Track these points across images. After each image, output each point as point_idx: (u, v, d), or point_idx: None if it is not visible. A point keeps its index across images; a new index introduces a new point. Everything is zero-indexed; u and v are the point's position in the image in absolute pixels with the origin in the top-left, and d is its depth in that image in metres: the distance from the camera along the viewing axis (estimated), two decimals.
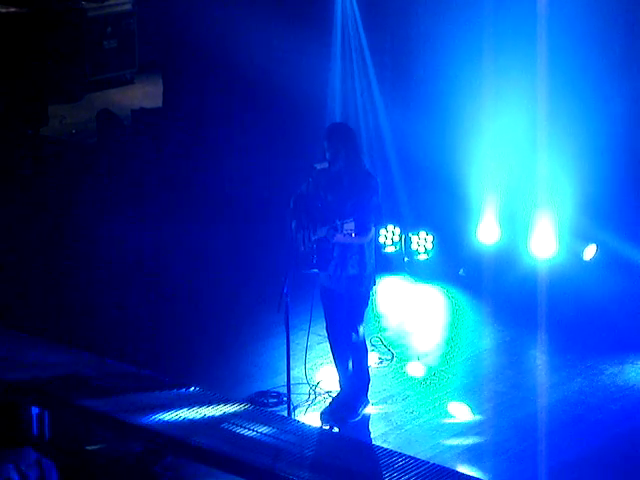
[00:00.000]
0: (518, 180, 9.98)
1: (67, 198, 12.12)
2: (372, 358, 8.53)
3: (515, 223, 10.05)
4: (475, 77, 10.00)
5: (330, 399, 8.06)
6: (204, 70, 12.28)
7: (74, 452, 7.45)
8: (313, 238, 7.58)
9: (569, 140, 9.64)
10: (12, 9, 14.32)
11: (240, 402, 7.80)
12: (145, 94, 15.39)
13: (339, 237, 7.45)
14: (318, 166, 7.64)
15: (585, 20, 9.44)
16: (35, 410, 7.51)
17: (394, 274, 10.52)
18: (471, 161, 10.12)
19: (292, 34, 11.17)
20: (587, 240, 9.71)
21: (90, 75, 15.60)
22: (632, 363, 8.70)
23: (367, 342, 8.07)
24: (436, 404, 8.17)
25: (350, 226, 7.35)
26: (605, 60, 9.51)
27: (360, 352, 7.91)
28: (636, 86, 9.41)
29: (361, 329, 7.88)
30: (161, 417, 7.44)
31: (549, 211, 9.81)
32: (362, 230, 7.48)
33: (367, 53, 10.93)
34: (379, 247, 10.25)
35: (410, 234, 10.58)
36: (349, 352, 7.88)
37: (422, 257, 10.54)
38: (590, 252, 9.69)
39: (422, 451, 7.46)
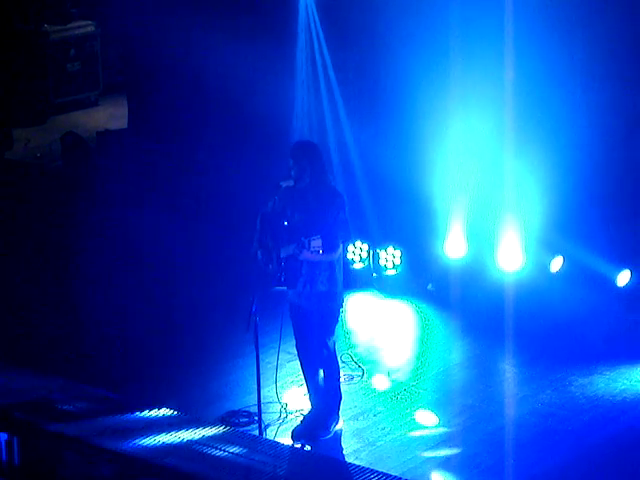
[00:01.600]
0: (484, 193, 10.03)
1: (32, 220, 12.09)
2: (342, 375, 8.52)
3: (482, 237, 10.09)
4: (441, 92, 10.04)
5: (301, 417, 8.04)
6: (168, 90, 12.28)
7: (44, 478, 7.38)
8: (281, 256, 7.58)
9: (535, 153, 9.70)
10: None
11: (211, 422, 7.78)
12: (110, 116, 15.37)
13: (306, 254, 7.45)
14: (284, 184, 7.65)
15: (549, 30, 9.51)
16: (4, 436, 7.45)
17: (363, 290, 10.53)
18: (437, 175, 10.17)
19: (256, 51, 11.21)
20: (554, 252, 9.77)
21: (54, 98, 15.56)
22: (601, 374, 8.74)
23: (338, 359, 8.07)
24: (407, 419, 8.17)
25: (317, 243, 7.35)
26: (570, 70, 9.59)
27: (331, 369, 7.91)
28: (602, 96, 9.47)
29: (332, 346, 7.88)
30: (132, 440, 7.40)
31: (516, 224, 9.86)
32: (330, 247, 7.49)
33: (331, 70, 10.97)
34: (347, 263, 10.25)
35: (378, 250, 10.60)
36: (320, 369, 7.87)
37: (390, 272, 10.55)
38: (557, 264, 9.74)
39: (394, 467, 7.46)
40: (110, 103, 15.82)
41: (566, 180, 9.55)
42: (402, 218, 10.44)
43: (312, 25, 11.03)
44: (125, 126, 13.46)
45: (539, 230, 9.81)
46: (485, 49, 9.70)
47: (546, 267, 9.74)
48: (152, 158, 12.43)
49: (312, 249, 7.36)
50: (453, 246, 10.26)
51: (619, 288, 9.52)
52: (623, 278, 9.54)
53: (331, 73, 10.92)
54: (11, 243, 11.55)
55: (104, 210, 12.01)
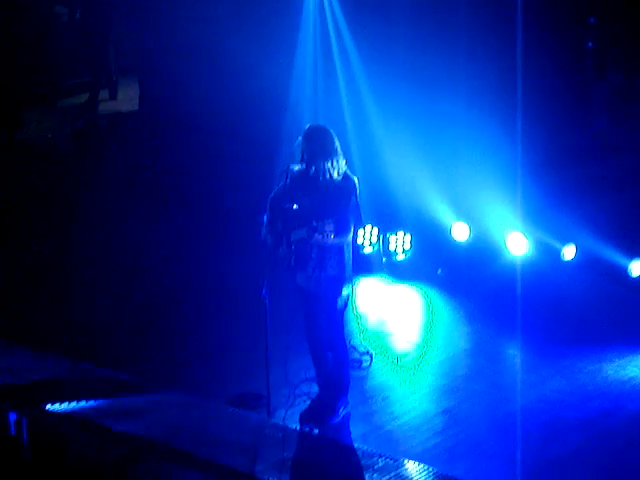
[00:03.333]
0: (491, 175, 10.02)
1: (45, 202, 12.10)
2: (351, 359, 8.52)
3: (488, 220, 10.08)
4: (452, 72, 10.15)
5: (310, 401, 8.05)
6: (180, 74, 12.27)
7: (52, 458, 7.41)
8: (292, 239, 7.58)
9: (543, 138, 9.72)
10: None
11: (220, 405, 7.79)
12: (121, 98, 15.36)
13: (318, 238, 7.45)
14: (295, 167, 7.64)
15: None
16: (13, 416, 7.47)
17: (372, 275, 10.53)
18: (444, 160, 10.17)
19: (267, 37, 11.23)
20: (566, 240, 9.73)
21: (65, 79, 15.56)
22: (610, 361, 8.72)
23: (347, 343, 8.07)
24: (415, 404, 8.18)
25: (329, 227, 7.35)
26: None
27: (340, 353, 7.91)
28: None
29: (341, 330, 7.88)
30: (140, 421, 7.43)
31: (523, 208, 9.85)
32: (341, 231, 7.48)
33: (353, 52, 10.98)
34: (357, 248, 10.25)
35: (388, 234, 10.59)
36: (329, 353, 7.87)
37: (400, 257, 10.55)
38: (570, 252, 9.71)
39: (402, 451, 7.46)
40: (121, 85, 15.80)
41: (576, 165, 9.54)
42: (412, 202, 10.43)
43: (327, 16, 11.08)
44: (136, 108, 13.47)
45: (551, 217, 9.79)
46: None
47: (558, 255, 9.71)
48: (162, 141, 12.45)
49: (324, 233, 7.35)
50: (459, 229, 10.26)
51: (632, 277, 9.48)
52: (637, 267, 9.50)
53: (352, 56, 10.91)
54: (15, 227, 11.58)
55: (110, 196, 12.04)
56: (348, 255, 7.70)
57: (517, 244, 9.85)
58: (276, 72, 11.18)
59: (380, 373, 8.68)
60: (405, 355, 8.96)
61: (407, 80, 10.54)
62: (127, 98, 14.87)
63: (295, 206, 7.59)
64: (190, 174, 11.98)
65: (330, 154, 7.58)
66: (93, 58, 15.37)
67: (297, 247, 7.57)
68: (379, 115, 10.71)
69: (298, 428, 7.75)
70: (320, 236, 7.40)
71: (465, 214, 10.23)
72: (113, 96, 15.29)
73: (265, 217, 7.64)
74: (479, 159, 10.00)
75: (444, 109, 10.20)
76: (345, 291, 7.77)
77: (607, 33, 10.43)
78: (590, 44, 10.67)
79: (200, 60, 11.93)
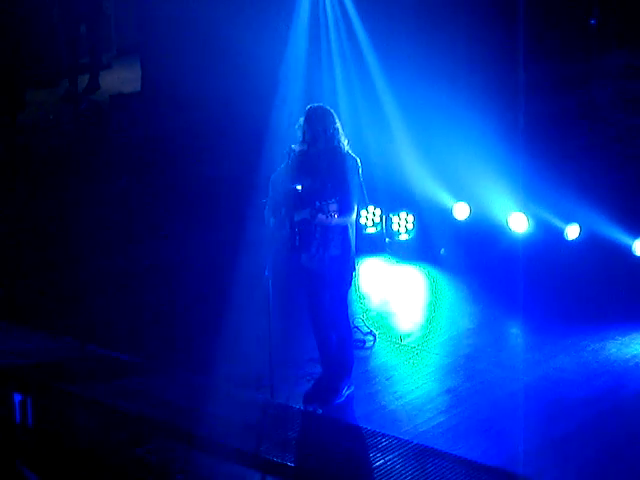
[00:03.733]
0: (494, 159, 10.02)
1: (49, 183, 12.11)
2: (355, 339, 8.53)
3: (488, 197, 10.08)
4: (452, 57, 10.13)
5: (313, 381, 8.06)
6: (182, 53, 12.25)
7: (57, 438, 7.43)
8: (295, 220, 7.57)
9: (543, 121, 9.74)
10: None
11: (223, 385, 7.81)
12: (123, 79, 15.32)
13: (321, 218, 7.44)
14: (296, 148, 7.63)
15: None
16: (17, 397, 7.49)
17: (375, 255, 10.53)
18: (446, 139, 10.16)
19: (265, 18, 11.27)
20: (569, 219, 9.72)
21: (66, 60, 15.51)
22: (613, 339, 8.73)
23: (350, 323, 8.08)
24: (419, 384, 8.19)
25: (333, 207, 7.35)
26: None
27: (344, 333, 7.91)
28: None
29: (344, 310, 7.88)
30: (144, 401, 7.44)
31: (525, 188, 9.86)
32: (345, 210, 7.48)
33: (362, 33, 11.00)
34: (360, 228, 10.25)
35: (391, 215, 10.59)
36: (333, 333, 7.88)
37: (403, 237, 10.55)
38: (573, 232, 9.69)
39: (406, 431, 7.47)
40: (123, 66, 15.76)
41: (578, 147, 9.52)
42: (415, 183, 10.43)
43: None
44: (139, 89, 13.44)
45: (552, 196, 9.78)
46: None
47: (561, 234, 9.70)
48: (164, 122, 12.44)
49: (327, 213, 7.35)
50: (460, 208, 10.26)
51: (635, 256, 9.47)
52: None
53: (362, 38, 10.92)
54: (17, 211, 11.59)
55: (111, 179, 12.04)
56: (352, 235, 7.69)
57: (518, 223, 9.86)
58: (271, 54, 11.20)
59: (383, 353, 8.69)
60: (408, 335, 8.97)
61: (408, 66, 10.55)
62: (130, 78, 14.82)
63: (298, 187, 7.59)
64: (191, 154, 11.97)
65: (332, 134, 7.57)
66: (88, 39, 15.30)
67: (301, 228, 7.57)
68: (381, 99, 10.71)
69: (302, 408, 7.76)
70: (323, 216, 7.40)
71: (466, 194, 10.23)
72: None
73: (267, 198, 7.64)
74: (480, 140, 9.99)
75: (444, 93, 10.20)
76: (349, 271, 7.77)
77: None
78: (593, 21, 10.64)
79: (198, 41, 11.93)
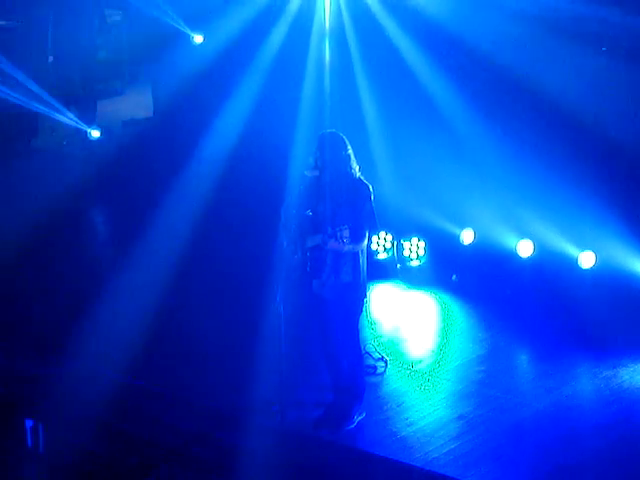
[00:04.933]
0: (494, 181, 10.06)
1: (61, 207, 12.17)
2: (366, 365, 8.53)
3: (493, 222, 10.11)
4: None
5: (324, 407, 8.05)
6: (194, 79, 12.35)
7: (68, 464, 7.43)
8: (307, 246, 7.59)
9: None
10: (2, 22, 14.32)
11: (234, 411, 7.80)
12: (136, 104, 15.39)
13: (333, 244, 7.46)
14: (309, 174, 7.66)
15: None
16: (29, 423, 7.50)
17: (387, 281, 10.54)
18: (456, 166, 10.21)
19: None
20: (583, 247, 9.71)
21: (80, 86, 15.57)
22: (625, 366, 8.71)
23: (361, 349, 8.07)
24: (430, 410, 8.17)
25: (345, 233, 7.37)
26: None
27: (355, 359, 7.91)
28: None
29: (356, 336, 7.88)
30: (155, 427, 7.44)
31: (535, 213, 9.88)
32: (356, 237, 7.49)
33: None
34: (371, 254, 10.26)
35: (402, 240, 10.60)
36: (344, 359, 7.87)
37: (414, 263, 10.56)
38: (587, 259, 9.67)
39: (417, 457, 7.46)
40: (136, 92, 15.83)
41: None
42: (426, 209, 10.45)
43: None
44: (151, 114, 13.51)
45: (565, 222, 9.78)
46: None
47: (576, 262, 9.69)
48: (176, 147, 12.51)
49: (339, 239, 7.36)
50: (466, 233, 10.31)
51: None
52: None
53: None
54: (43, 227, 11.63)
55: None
56: (363, 261, 7.70)
57: (524, 248, 9.91)
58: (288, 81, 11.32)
59: (395, 379, 8.68)
60: (420, 361, 8.96)
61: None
62: (142, 104, 14.89)
63: (309, 212, 7.61)
64: (206, 178, 12.02)
65: (343, 160, 7.60)
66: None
67: (312, 254, 7.59)
68: (389, 125, 10.77)
69: (313, 434, 7.75)
70: (336, 242, 7.42)
71: (471, 221, 10.30)
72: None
73: (280, 223, 7.67)
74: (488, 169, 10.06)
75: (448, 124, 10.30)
76: (359, 297, 7.77)
77: None
78: None
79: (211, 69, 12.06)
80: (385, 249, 10.71)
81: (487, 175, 10.05)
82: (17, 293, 10.31)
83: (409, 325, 9.69)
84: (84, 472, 7.34)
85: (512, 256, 10.04)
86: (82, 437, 7.63)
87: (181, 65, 12.90)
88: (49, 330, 9.45)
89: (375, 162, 10.70)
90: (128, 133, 13.65)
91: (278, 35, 11.77)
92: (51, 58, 14.23)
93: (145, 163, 12.82)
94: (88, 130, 13.87)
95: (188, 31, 13.36)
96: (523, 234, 10.02)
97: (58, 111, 13.67)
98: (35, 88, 13.35)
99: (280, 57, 11.54)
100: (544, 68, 9.82)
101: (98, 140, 13.70)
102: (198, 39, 13.34)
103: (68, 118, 13.80)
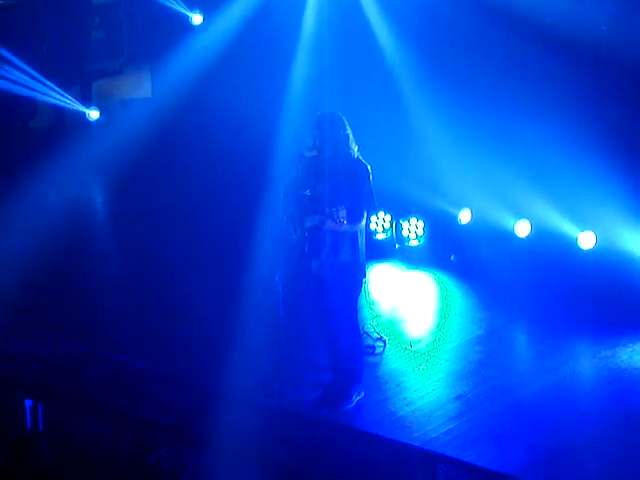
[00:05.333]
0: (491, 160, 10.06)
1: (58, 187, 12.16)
2: (365, 345, 8.53)
3: (492, 201, 10.12)
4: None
5: (323, 387, 8.06)
6: (192, 60, 12.33)
7: (68, 444, 7.45)
8: (305, 226, 7.58)
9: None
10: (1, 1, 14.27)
11: (232, 391, 7.81)
12: (134, 84, 15.35)
13: (331, 225, 7.45)
14: (307, 154, 7.64)
15: None
16: (29, 403, 7.51)
17: (385, 261, 10.54)
18: (453, 145, 10.20)
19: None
20: (583, 227, 9.70)
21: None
22: (624, 346, 8.72)
23: (360, 329, 8.08)
24: (429, 390, 8.19)
25: (342, 213, 7.36)
26: None
27: (354, 339, 7.92)
28: None
29: (354, 316, 7.89)
30: (155, 407, 7.45)
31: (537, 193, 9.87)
32: (354, 217, 7.49)
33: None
34: (370, 234, 10.26)
35: (401, 221, 10.60)
36: (343, 339, 7.88)
37: (413, 243, 10.55)
38: (587, 240, 9.65)
39: (415, 437, 7.48)
40: (134, 72, 15.78)
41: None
42: (425, 189, 10.44)
43: None
44: (149, 95, 13.48)
45: (566, 203, 9.77)
46: None
47: (575, 243, 9.68)
48: (177, 127, 12.50)
49: (337, 219, 7.36)
50: (463, 213, 10.31)
51: None
52: None
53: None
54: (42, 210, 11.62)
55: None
56: (361, 241, 7.70)
57: (522, 228, 9.91)
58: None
59: (394, 359, 8.69)
60: (418, 341, 8.97)
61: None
62: (141, 84, 14.85)
63: (308, 192, 7.60)
64: (200, 161, 12.03)
65: (342, 140, 7.59)
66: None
67: (311, 234, 7.59)
68: (387, 105, 10.76)
69: (312, 414, 7.76)
70: (333, 223, 7.41)
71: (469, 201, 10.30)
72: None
73: (279, 204, 7.66)
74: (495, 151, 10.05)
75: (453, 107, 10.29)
76: (358, 277, 7.77)
77: None
78: None
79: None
80: (384, 229, 10.70)
81: (485, 154, 10.03)
82: (16, 274, 10.31)
83: (408, 305, 9.70)
84: (84, 452, 7.36)
85: (510, 236, 10.04)
86: (82, 417, 7.65)
87: (180, 46, 12.85)
88: (49, 311, 9.48)
89: (373, 142, 10.68)
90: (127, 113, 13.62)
91: (271, 18, 11.74)
92: (47, 39, 14.20)
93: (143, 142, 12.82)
94: (86, 111, 13.83)
95: (187, 11, 13.32)
96: (521, 214, 10.01)
97: (55, 92, 13.65)
98: (31, 69, 13.33)
99: (274, 37, 11.51)
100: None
101: (97, 120, 13.68)
102: (197, 19, 13.29)
103: (65, 99, 13.77)
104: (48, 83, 13.46)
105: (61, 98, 13.72)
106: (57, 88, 13.59)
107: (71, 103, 13.81)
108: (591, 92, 9.50)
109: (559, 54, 9.52)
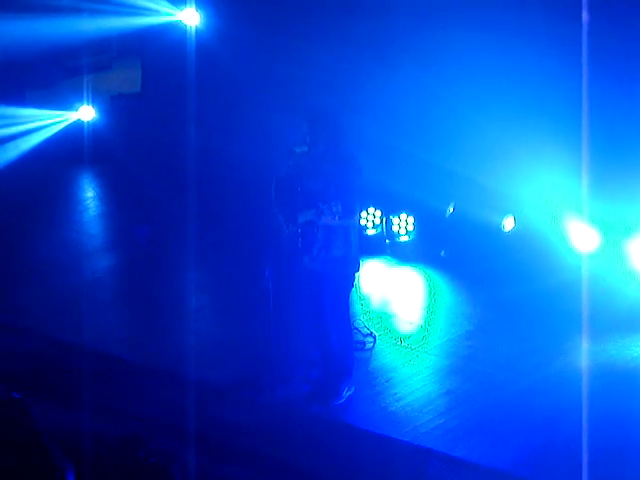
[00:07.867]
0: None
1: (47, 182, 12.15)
2: (355, 340, 8.53)
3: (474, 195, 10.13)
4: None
5: (313, 382, 8.06)
6: (182, 55, 12.30)
7: (56, 439, 7.42)
8: (298, 222, 7.57)
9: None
10: None
11: (222, 386, 7.80)
12: (123, 79, 15.32)
13: (324, 220, 7.44)
14: (298, 149, 7.63)
15: None
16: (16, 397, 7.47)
17: (376, 256, 10.53)
18: (447, 142, 10.19)
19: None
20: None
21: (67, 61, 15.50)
22: (614, 341, 8.73)
23: (351, 324, 8.08)
24: (419, 385, 8.19)
25: (335, 209, 7.35)
26: None
27: (344, 334, 7.91)
28: None
29: (346, 311, 7.88)
30: (145, 402, 7.44)
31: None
32: (347, 212, 7.47)
33: None
34: (361, 229, 10.25)
35: (391, 216, 10.59)
36: (333, 334, 7.87)
37: (403, 239, 10.55)
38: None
39: (405, 432, 7.48)
40: (124, 67, 15.75)
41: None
42: (415, 184, 10.43)
43: None
44: (139, 90, 13.46)
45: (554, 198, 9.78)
46: None
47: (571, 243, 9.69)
48: (163, 122, 12.48)
49: (330, 214, 7.34)
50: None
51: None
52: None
53: None
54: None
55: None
56: (354, 236, 7.70)
57: (508, 223, 9.93)
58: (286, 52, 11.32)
59: (383, 354, 8.69)
60: (408, 336, 8.97)
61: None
62: (130, 79, 14.82)
63: (299, 188, 7.59)
64: (202, 153, 12.04)
65: (332, 135, 7.57)
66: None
67: (303, 229, 7.57)
68: (380, 100, 10.76)
69: (302, 409, 7.76)
70: (326, 218, 7.40)
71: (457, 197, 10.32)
72: None
73: (271, 199, 7.65)
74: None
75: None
76: (351, 272, 7.77)
77: None
78: None
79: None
80: (374, 225, 10.69)
81: (473, 150, 10.03)
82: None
83: (398, 301, 9.70)
84: (72, 447, 7.33)
85: (497, 231, 10.03)
86: (69, 412, 7.62)
87: (169, 41, 12.83)
88: (33, 305, 9.46)
89: (364, 137, 10.68)
90: (116, 107, 13.60)
91: None
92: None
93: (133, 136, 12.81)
94: (76, 105, 13.80)
95: (175, 8, 13.29)
96: (507, 209, 10.00)
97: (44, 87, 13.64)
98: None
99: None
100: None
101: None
102: (186, 16, 13.26)
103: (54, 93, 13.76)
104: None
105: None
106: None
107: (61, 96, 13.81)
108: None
109: None
